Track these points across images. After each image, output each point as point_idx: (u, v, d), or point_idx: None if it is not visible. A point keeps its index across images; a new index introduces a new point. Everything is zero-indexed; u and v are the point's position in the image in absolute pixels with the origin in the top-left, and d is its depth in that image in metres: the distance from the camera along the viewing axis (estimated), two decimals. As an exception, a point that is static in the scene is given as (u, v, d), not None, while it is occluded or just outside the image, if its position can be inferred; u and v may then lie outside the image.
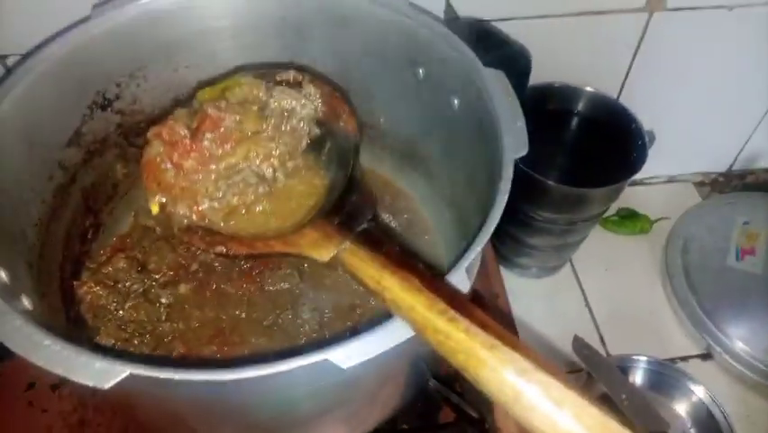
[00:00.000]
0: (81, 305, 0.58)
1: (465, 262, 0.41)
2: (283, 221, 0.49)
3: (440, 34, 0.57)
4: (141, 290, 0.60)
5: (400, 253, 0.42)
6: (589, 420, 0.33)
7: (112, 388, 0.35)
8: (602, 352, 0.94)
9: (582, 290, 1.01)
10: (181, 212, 0.48)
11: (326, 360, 0.36)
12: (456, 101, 0.59)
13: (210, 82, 0.60)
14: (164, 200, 0.49)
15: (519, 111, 0.50)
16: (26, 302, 0.46)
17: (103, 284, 0.59)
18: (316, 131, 0.55)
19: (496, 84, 0.52)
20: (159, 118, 0.67)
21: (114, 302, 0.59)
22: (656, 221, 1.07)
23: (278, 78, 0.57)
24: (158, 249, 0.62)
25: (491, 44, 0.66)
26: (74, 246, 0.61)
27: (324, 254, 0.45)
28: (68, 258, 0.59)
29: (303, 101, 0.54)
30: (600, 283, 1.01)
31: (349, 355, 0.36)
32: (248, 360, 0.40)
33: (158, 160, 0.50)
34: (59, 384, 0.67)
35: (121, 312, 0.58)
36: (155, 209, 0.49)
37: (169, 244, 0.62)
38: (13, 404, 0.66)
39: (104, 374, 0.35)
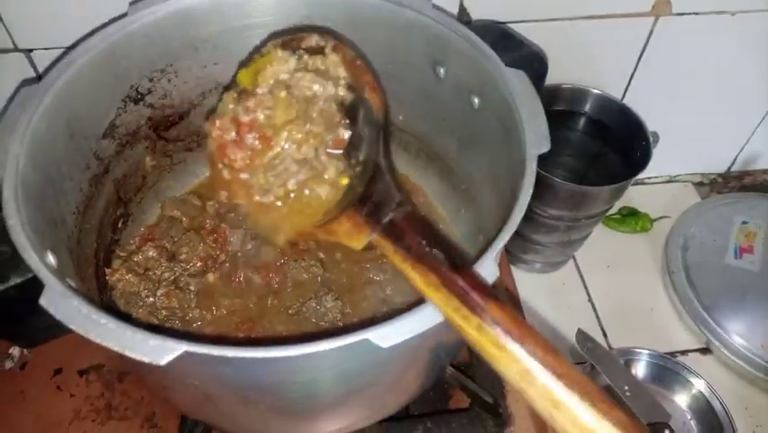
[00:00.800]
0: (113, 291, 0.60)
1: (493, 252, 0.43)
2: (320, 206, 0.51)
3: (462, 35, 0.60)
4: (171, 278, 0.62)
5: (422, 245, 0.43)
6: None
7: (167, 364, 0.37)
8: (605, 345, 0.97)
9: (585, 286, 1.04)
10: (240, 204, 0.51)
11: (367, 339, 0.39)
12: (477, 100, 0.61)
13: (248, 60, 0.61)
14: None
15: (540, 109, 0.52)
16: (72, 283, 0.48)
17: (134, 272, 0.61)
18: (349, 97, 0.55)
19: (517, 83, 0.55)
20: (187, 113, 0.69)
21: (145, 289, 0.61)
22: (657, 220, 1.10)
23: (303, 46, 0.57)
24: (187, 240, 0.64)
25: (509, 46, 0.69)
26: (106, 235, 0.63)
27: (356, 244, 0.48)
28: (101, 246, 0.62)
29: (322, 85, 0.53)
30: (603, 279, 1.04)
31: (388, 335, 0.39)
32: (292, 339, 0.42)
33: (214, 157, 0.52)
34: (87, 369, 0.70)
35: (152, 299, 0.61)
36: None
37: (198, 235, 0.65)
38: (42, 388, 0.68)
39: (159, 351, 0.38)
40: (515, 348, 0.37)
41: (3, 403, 0.67)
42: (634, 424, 0.35)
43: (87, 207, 0.59)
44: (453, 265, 0.41)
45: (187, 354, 0.38)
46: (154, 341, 0.38)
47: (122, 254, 0.64)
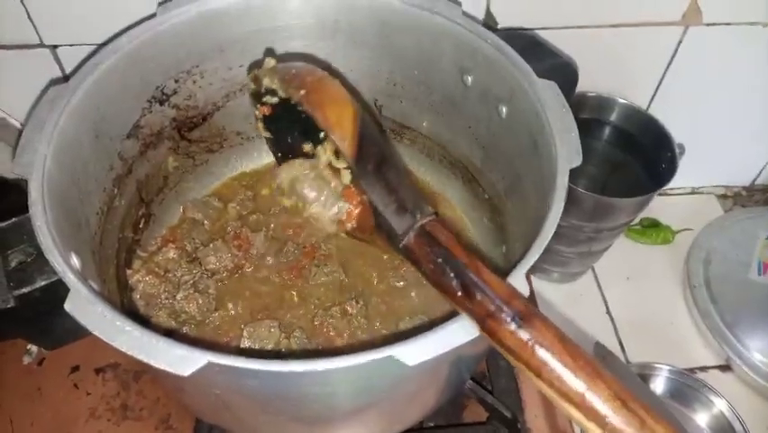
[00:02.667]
0: (133, 292, 0.60)
1: (523, 270, 0.43)
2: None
3: (493, 43, 0.59)
4: (191, 281, 0.62)
5: (436, 271, 0.45)
6: None
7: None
8: (622, 358, 0.95)
9: (604, 298, 1.02)
10: None
11: (392, 356, 0.38)
12: (504, 109, 0.60)
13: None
14: None
15: (573, 122, 0.51)
16: (94, 285, 0.48)
17: (154, 273, 0.61)
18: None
19: (549, 94, 0.54)
20: (210, 114, 0.69)
21: (165, 291, 0.61)
22: (679, 232, 1.09)
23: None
24: (208, 242, 0.64)
25: (539, 54, 0.68)
26: (127, 235, 0.63)
27: (394, 255, 0.50)
28: (122, 247, 0.61)
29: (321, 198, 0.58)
30: (622, 291, 1.03)
31: (414, 353, 0.38)
32: (319, 353, 0.42)
33: None
34: (104, 368, 0.70)
35: (172, 302, 0.60)
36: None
37: (225, 244, 0.64)
38: (59, 385, 0.69)
39: (184, 361, 0.37)
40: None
41: (20, 398, 0.68)
42: None
43: (110, 208, 0.59)
44: (465, 287, 0.42)
45: (210, 365, 0.37)
46: (179, 351, 0.38)
47: (142, 255, 0.64)
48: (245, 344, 0.59)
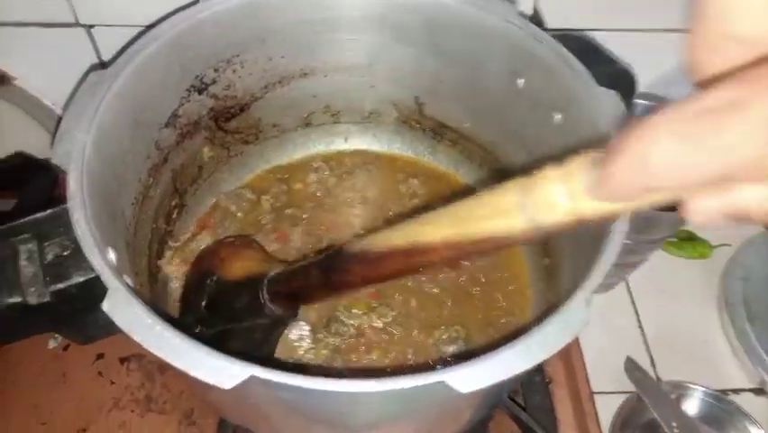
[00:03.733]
0: (169, 283, 0.59)
1: (584, 294, 0.40)
2: None
3: (549, 47, 0.56)
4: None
5: None
6: None
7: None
8: (652, 375, 0.93)
9: (636, 310, 0.99)
10: None
11: (443, 382, 0.36)
12: (559, 116, 0.57)
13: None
14: None
15: (635, 138, 0.48)
16: (129, 282, 0.46)
17: (187, 262, 0.60)
18: None
19: (609, 105, 0.51)
20: (248, 105, 0.67)
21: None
22: (717, 247, 1.05)
23: None
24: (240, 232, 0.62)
25: (593, 60, 0.64)
26: (160, 226, 0.62)
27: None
28: (154, 238, 0.60)
29: None
30: (654, 305, 0.99)
31: (468, 380, 0.36)
32: (364, 373, 0.40)
33: None
34: (128, 357, 0.69)
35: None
36: None
37: (260, 232, 0.63)
38: (84, 372, 0.68)
39: (226, 374, 0.35)
40: None
41: (45, 383, 0.67)
42: None
43: (145, 198, 0.57)
44: None
45: (252, 379, 0.36)
46: (221, 362, 0.36)
47: (174, 245, 0.63)
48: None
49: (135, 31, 0.70)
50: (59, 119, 0.49)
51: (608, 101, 0.51)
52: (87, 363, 0.68)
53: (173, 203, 0.64)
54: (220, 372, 0.36)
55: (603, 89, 0.52)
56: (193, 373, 0.36)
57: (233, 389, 0.35)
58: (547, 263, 0.63)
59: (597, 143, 0.50)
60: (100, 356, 0.69)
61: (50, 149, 0.50)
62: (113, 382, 0.67)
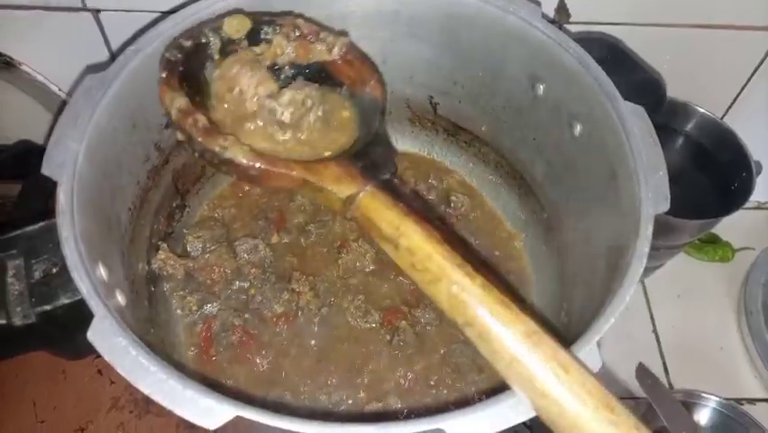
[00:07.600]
0: (169, 284, 0.58)
1: (595, 337, 0.38)
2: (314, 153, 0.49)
3: (575, 54, 0.52)
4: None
5: (422, 210, 0.42)
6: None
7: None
8: (665, 382, 0.90)
9: (651, 315, 0.97)
10: None
11: (441, 430, 0.34)
12: (579, 127, 0.54)
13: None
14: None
15: (661, 158, 0.45)
16: (120, 298, 0.45)
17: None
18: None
19: (635, 122, 0.48)
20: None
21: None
22: (739, 250, 1.01)
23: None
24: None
25: (621, 66, 0.61)
26: (159, 229, 0.60)
27: (344, 191, 0.44)
28: (153, 241, 0.59)
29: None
30: (671, 310, 0.97)
31: (466, 429, 0.34)
32: (358, 417, 0.38)
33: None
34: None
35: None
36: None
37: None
38: (84, 370, 0.67)
39: (210, 414, 0.34)
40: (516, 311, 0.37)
41: (45, 380, 0.67)
42: None
43: (144, 202, 0.56)
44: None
45: (237, 419, 0.34)
46: (205, 402, 0.34)
47: (174, 245, 0.62)
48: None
49: (143, 15, 0.68)
50: (52, 126, 0.47)
51: (634, 117, 0.48)
52: (87, 361, 0.68)
53: (174, 204, 0.62)
54: (205, 412, 0.34)
55: (630, 104, 0.49)
56: (178, 411, 0.34)
57: (219, 429, 0.34)
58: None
59: (621, 162, 0.47)
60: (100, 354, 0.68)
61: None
62: (112, 382, 0.67)
